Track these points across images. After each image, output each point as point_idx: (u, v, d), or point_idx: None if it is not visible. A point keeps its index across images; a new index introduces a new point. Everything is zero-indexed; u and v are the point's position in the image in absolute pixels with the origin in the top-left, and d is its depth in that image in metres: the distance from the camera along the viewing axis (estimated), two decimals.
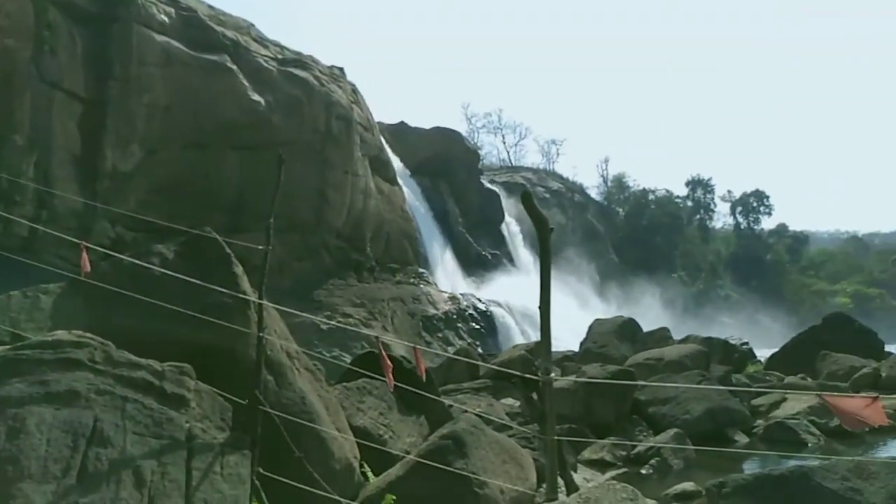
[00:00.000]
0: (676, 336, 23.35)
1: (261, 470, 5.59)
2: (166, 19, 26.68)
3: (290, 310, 8.11)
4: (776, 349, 22.31)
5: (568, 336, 28.75)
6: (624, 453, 11.00)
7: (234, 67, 28.38)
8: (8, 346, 5.43)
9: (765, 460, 10.51)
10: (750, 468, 9.89)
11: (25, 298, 7.14)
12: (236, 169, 27.65)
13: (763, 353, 23.30)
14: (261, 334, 6.17)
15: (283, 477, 5.56)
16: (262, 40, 31.78)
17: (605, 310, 41.72)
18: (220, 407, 5.89)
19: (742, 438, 12.36)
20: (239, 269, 7.14)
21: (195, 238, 7.42)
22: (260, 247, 6.37)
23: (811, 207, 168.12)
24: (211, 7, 30.21)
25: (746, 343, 22.87)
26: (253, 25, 32.22)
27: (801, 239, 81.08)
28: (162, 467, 5.04)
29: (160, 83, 25.92)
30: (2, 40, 21.57)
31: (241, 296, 6.62)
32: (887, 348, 21.13)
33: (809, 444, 11.81)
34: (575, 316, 34.43)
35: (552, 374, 6.36)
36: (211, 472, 5.27)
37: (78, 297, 6.99)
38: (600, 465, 10.55)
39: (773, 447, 11.49)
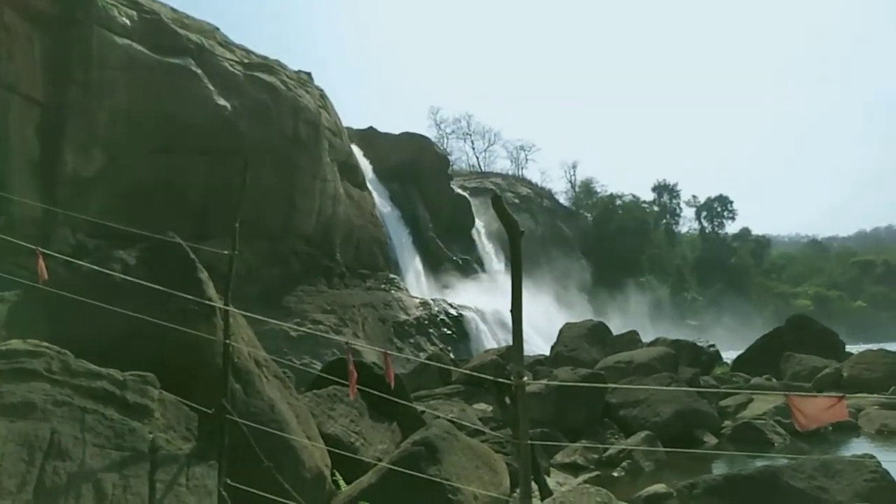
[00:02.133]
0: (645, 339, 23.66)
1: (228, 481, 5.45)
2: (128, 22, 26.13)
3: (258, 316, 7.95)
4: (742, 351, 22.76)
5: (538, 340, 28.92)
6: (596, 456, 11.06)
7: (199, 71, 27.93)
8: None
9: (733, 461, 10.66)
10: (719, 469, 10.03)
11: None
12: (202, 175, 27.13)
13: (729, 355, 23.75)
14: (227, 341, 6.02)
15: (252, 488, 5.43)
16: (227, 44, 31.37)
17: (573, 314, 42.05)
18: (186, 416, 5.72)
19: (711, 439, 12.54)
20: (204, 275, 6.98)
21: (158, 244, 7.24)
22: (226, 252, 6.22)
23: (772, 212, 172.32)
24: (174, 10, 29.69)
25: (713, 345, 23.25)
26: (218, 29, 31.77)
27: (764, 243, 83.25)
28: (124, 480, 4.86)
29: (122, 87, 25.36)
30: None
31: (206, 302, 6.46)
32: (848, 348, 21.70)
33: (776, 444, 12.03)
34: (544, 320, 34.67)
35: (525, 378, 6.31)
36: (176, 484, 5.10)
37: (35, 305, 6.75)
38: (573, 469, 10.58)
39: (740, 447, 11.68)
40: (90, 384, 5.18)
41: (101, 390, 5.19)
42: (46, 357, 5.11)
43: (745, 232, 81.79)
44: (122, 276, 6.33)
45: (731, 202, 78.90)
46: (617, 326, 27.37)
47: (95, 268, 6.40)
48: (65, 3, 24.20)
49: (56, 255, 7.75)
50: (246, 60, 31.32)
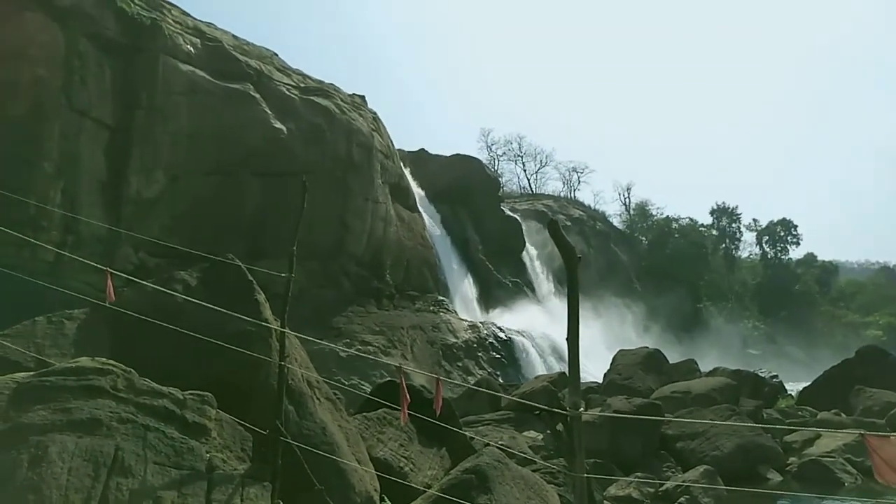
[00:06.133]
0: (703, 368, 22.86)
1: (281, 502, 5.46)
2: (192, 49, 27.24)
3: (309, 338, 8.03)
4: (807, 383, 21.73)
5: (589, 367, 28.29)
6: (652, 490, 10.68)
7: (258, 96, 28.82)
8: (32, 373, 5.40)
9: (799, 501, 10.12)
10: None
11: (50, 324, 7.14)
12: (258, 196, 27.90)
13: (793, 387, 22.70)
14: (282, 363, 6.09)
15: None
16: (285, 69, 32.32)
17: (627, 340, 41.09)
18: (241, 437, 5.80)
19: (775, 476, 11.94)
20: (261, 297, 7.11)
21: (217, 265, 7.42)
22: (283, 274, 6.33)
23: (840, 237, 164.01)
24: (235, 37, 30.83)
25: (776, 376, 22.21)
26: (276, 55, 32.80)
27: (831, 269, 78.91)
28: (182, 498, 4.95)
29: (185, 111, 26.37)
30: (34, 70, 22.11)
31: (263, 324, 6.57)
32: None
33: (846, 484, 11.36)
34: (596, 346, 33.96)
35: (581, 409, 6.14)
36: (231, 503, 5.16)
37: (102, 323, 6.99)
38: (627, 503, 10.23)
39: (807, 486, 11.09)
40: (152, 402, 5.31)
41: (162, 409, 5.31)
42: (112, 375, 5.26)
43: (811, 258, 77.99)
44: (185, 296, 6.49)
45: (795, 226, 75.16)
46: (672, 354, 26.57)
47: (159, 288, 6.59)
48: (134, 33, 25.43)
49: (122, 274, 8.03)
50: (302, 84, 32.17)
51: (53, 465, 4.53)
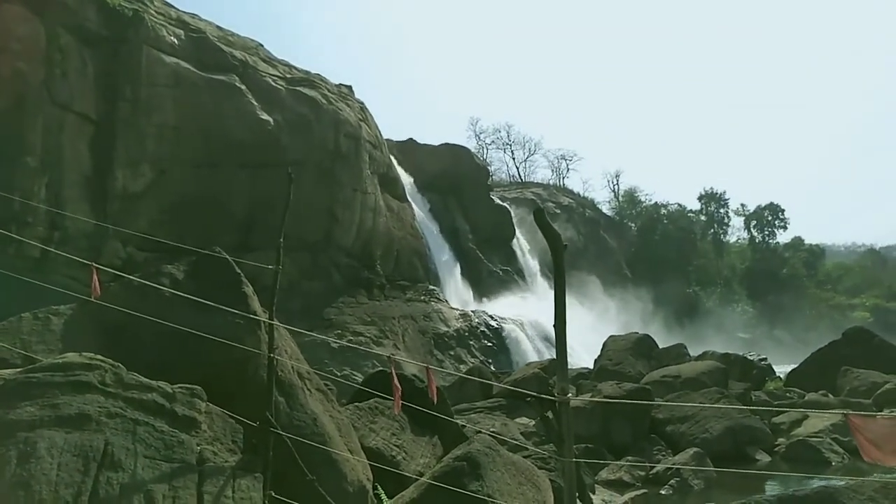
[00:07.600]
0: (692, 352, 23.07)
1: (272, 493, 5.48)
2: (175, 41, 26.95)
3: (300, 330, 8.04)
4: (795, 365, 22.00)
5: (581, 352, 28.47)
6: (642, 473, 10.80)
7: (243, 87, 28.59)
8: (19, 369, 5.36)
9: (787, 480, 10.27)
10: (773, 489, 9.65)
11: (36, 320, 7.08)
12: (245, 188, 27.75)
13: (782, 369, 22.98)
14: (272, 355, 6.09)
15: (296, 500, 5.45)
16: (270, 60, 32.06)
17: (616, 326, 41.35)
18: (232, 429, 5.80)
19: (763, 457, 12.11)
20: (249, 289, 7.08)
21: (205, 258, 7.38)
22: (270, 266, 6.32)
23: (826, 220, 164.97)
24: (219, 28, 30.53)
25: (765, 359, 22.46)
26: (261, 45, 32.53)
27: (818, 252, 79.63)
28: (173, 491, 4.95)
29: (169, 104, 26.13)
30: (14, 64, 21.84)
31: (252, 316, 6.56)
32: None
33: (833, 463, 11.55)
34: (587, 332, 34.13)
35: (569, 394, 6.19)
36: (222, 496, 5.17)
37: (89, 319, 6.94)
38: (618, 486, 10.35)
39: (795, 466, 11.25)
40: (141, 396, 5.29)
41: (151, 402, 5.30)
42: (101, 370, 5.24)
43: (798, 241, 78.73)
44: (172, 290, 6.46)
45: (783, 210, 75.96)
46: (662, 339, 26.78)
47: (146, 282, 6.56)
48: (116, 24, 25.10)
49: (108, 269, 7.98)
50: (288, 75, 31.94)
51: (42, 461, 4.52)
